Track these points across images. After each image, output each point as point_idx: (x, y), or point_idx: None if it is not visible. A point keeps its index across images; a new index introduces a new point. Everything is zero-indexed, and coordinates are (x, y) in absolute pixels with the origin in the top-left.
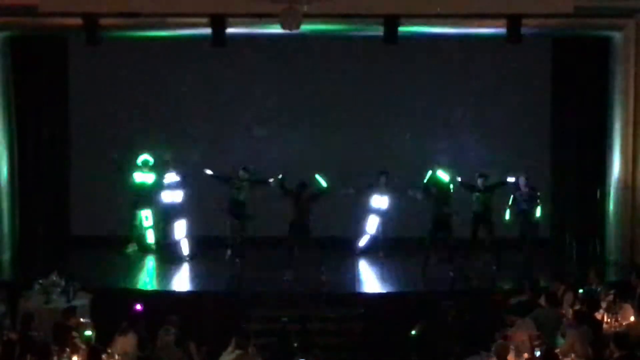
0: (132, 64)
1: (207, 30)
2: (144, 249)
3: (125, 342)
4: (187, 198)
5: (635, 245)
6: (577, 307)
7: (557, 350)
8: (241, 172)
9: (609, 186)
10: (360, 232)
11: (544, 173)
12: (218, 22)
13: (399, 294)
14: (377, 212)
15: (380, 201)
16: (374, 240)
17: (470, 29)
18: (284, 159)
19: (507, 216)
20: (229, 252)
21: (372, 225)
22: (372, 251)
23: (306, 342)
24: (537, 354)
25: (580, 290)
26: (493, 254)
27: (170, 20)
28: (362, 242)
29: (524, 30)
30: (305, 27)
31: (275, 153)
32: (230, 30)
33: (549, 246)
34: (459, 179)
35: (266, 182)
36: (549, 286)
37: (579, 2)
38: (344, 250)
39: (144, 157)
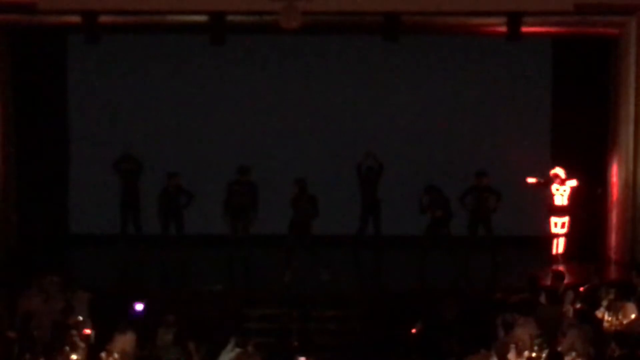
0: (131, 62)
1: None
2: None
3: (125, 341)
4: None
5: (636, 244)
6: (578, 305)
7: (558, 349)
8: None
9: (610, 185)
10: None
11: (545, 171)
12: (217, 19)
13: (399, 292)
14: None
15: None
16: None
17: (470, 27)
18: (283, 157)
19: None
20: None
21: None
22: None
23: (306, 341)
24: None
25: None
26: (492, 252)
27: (169, 17)
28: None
29: (524, 28)
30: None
31: (275, 151)
32: (229, 28)
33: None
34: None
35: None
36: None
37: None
38: (344, 249)
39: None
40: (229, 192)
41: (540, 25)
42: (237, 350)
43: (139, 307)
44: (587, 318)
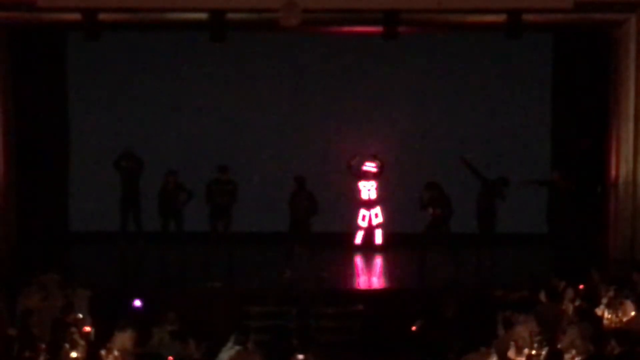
0: (131, 59)
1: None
2: None
3: (124, 338)
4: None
5: (636, 241)
6: (577, 303)
7: (558, 347)
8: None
9: (610, 181)
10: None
11: (545, 168)
12: (217, 17)
13: (399, 290)
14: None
15: (366, 191)
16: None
17: (470, 24)
18: (283, 155)
19: None
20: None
21: (363, 217)
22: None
23: (305, 338)
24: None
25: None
26: (490, 250)
27: (169, 15)
28: (358, 237)
29: (524, 25)
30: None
31: (273, 148)
32: (229, 25)
33: (549, 242)
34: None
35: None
36: (548, 282)
37: None
38: (344, 246)
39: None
40: (209, 191)
41: (541, 22)
42: (237, 347)
43: (138, 303)
44: (586, 316)
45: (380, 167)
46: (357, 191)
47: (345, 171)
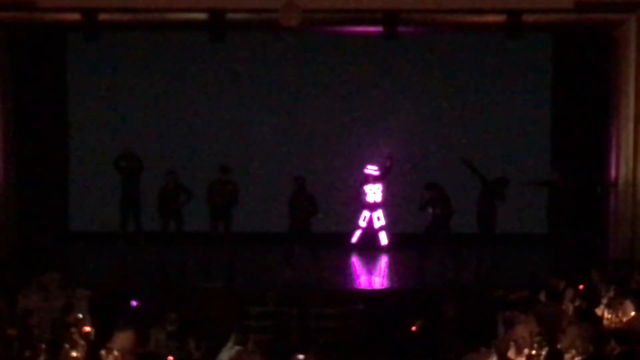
0: (130, 59)
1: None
2: None
3: (124, 338)
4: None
5: (636, 241)
6: (577, 303)
7: (558, 347)
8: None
9: (610, 181)
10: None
11: (544, 168)
12: (217, 17)
13: (399, 290)
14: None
15: (372, 194)
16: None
17: (469, 24)
18: (282, 155)
19: None
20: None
21: (364, 219)
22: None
23: (306, 338)
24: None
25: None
26: (490, 250)
27: (169, 15)
28: (355, 236)
29: (524, 25)
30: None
31: (274, 149)
32: (228, 25)
33: (549, 242)
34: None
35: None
36: (548, 282)
37: None
38: (344, 246)
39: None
40: (210, 191)
41: (541, 22)
42: (237, 347)
43: (135, 304)
44: (586, 316)
45: (385, 170)
46: (363, 194)
47: (348, 173)
